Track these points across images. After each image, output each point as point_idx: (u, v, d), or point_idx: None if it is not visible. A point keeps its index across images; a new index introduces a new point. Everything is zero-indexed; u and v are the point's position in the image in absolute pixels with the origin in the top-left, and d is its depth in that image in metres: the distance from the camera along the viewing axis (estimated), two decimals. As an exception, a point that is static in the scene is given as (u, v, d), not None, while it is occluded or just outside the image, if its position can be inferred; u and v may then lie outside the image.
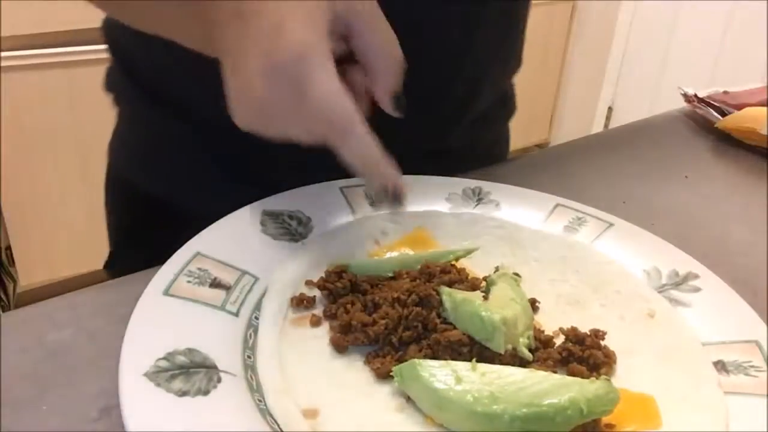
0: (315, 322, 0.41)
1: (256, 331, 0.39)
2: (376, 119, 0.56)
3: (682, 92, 0.82)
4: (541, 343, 0.40)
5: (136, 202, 0.65)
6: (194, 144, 0.60)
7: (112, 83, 0.65)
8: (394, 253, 0.48)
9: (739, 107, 0.77)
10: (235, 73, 0.39)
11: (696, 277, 0.46)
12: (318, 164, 0.57)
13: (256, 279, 0.42)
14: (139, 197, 0.64)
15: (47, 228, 1.61)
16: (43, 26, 1.47)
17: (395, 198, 0.41)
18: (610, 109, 2.55)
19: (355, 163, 0.39)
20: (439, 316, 0.40)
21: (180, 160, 0.61)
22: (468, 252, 0.47)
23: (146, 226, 0.63)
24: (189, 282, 0.40)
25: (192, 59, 0.54)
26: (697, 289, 0.45)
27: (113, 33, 0.63)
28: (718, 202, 0.61)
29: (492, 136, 0.70)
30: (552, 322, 0.43)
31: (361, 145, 0.39)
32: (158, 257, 0.42)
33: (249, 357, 0.37)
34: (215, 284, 0.40)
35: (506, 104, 0.71)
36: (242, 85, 0.39)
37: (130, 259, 0.46)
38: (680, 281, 0.46)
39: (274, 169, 0.57)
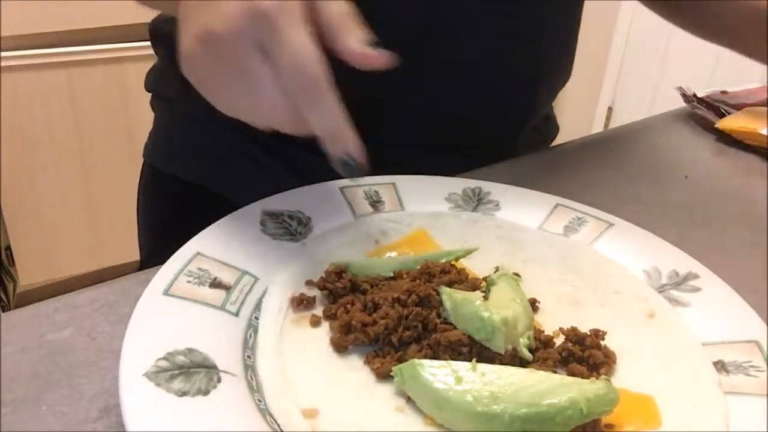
0: (315, 322, 0.41)
1: (256, 331, 0.39)
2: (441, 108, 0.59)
3: (681, 92, 0.82)
4: (541, 343, 0.40)
5: (179, 197, 0.65)
6: (242, 134, 0.60)
7: (154, 81, 0.66)
8: (394, 253, 0.48)
9: (739, 107, 0.77)
10: (193, 23, 0.36)
11: (696, 277, 0.46)
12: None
13: (256, 279, 0.42)
14: (183, 191, 0.64)
15: (47, 228, 1.62)
16: (43, 26, 1.47)
17: (354, 168, 0.39)
18: (610, 109, 2.55)
19: (323, 130, 0.37)
20: (439, 316, 0.40)
21: (227, 150, 0.61)
22: (468, 252, 0.47)
23: (191, 221, 0.65)
24: (189, 282, 0.40)
25: None
26: (697, 289, 0.45)
27: (161, 28, 0.63)
28: (718, 202, 0.61)
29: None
30: (552, 322, 0.43)
31: (331, 112, 0.36)
32: None
33: (249, 357, 0.37)
34: (215, 284, 0.40)
35: (549, 123, 0.73)
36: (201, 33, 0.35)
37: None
38: (680, 281, 0.46)
39: (322, 161, 0.58)
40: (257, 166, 0.61)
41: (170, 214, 0.67)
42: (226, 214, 0.46)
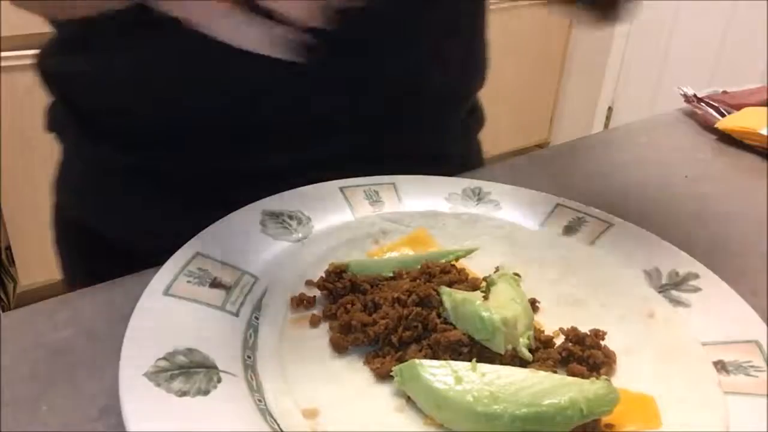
0: (315, 322, 0.41)
1: (256, 331, 0.39)
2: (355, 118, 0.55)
3: (682, 92, 0.82)
4: (541, 343, 0.40)
5: (86, 241, 0.62)
6: (143, 175, 0.57)
7: (52, 122, 0.61)
8: (394, 253, 0.48)
9: (739, 107, 0.77)
10: None
11: (696, 277, 0.46)
12: (276, 179, 0.54)
13: (256, 279, 0.42)
14: (90, 235, 0.61)
15: (47, 228, 1.61)
16: (43, 26, 1.47)
17: None
18: (610, 109, 2.55)
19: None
20: (439, 316, 0.40)
21: (129, 193, 0.58)
22: (468, 252, 0.47)
23: (101, 267, 0.54)
24: (189, 282, 0.40)
25: (134, 82, 0.53)
26: (697, 289, 0.45)
27: (51, 66, 0.59)
28: (718, 202, 0.61)
29: (463, 150, 0.70)
30: (552, 322, 0.43)
31: None
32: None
33: (249, 357, 0.37)
34: (215, 284, 0.40)
35: (474, 114, 0.70)
36: None
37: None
38: (680, 281, 0.46)
39: (231, 188, 0.54)
40: (159, 209, 0.57)
41: (75, 252, 0.64)
42: (131, 259, 0.45)
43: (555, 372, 0.37)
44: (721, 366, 0.39)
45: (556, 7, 0.61)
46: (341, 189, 0.52)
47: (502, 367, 0.35)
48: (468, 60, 0.65)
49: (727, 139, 0.74)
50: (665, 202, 0.61)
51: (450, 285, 0.42)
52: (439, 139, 0.64)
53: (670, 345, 0.41)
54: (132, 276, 0.45)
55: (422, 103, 0.61)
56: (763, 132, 0.71)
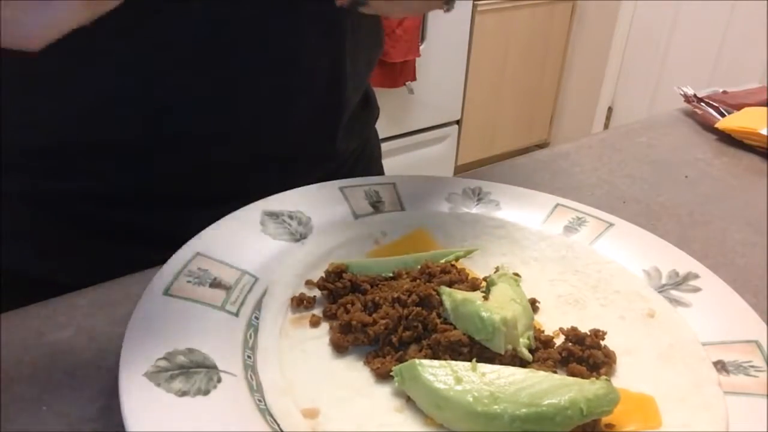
0: (315, 322, 0.41)
1: (256, 331, 0.39)
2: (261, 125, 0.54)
3: (681, 92, 0.82)
4: (541, 343, 0.40)
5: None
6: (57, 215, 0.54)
7: None
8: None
9: (738, 107, 0.77)
10: None
11: (696, 277, 0.46)
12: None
13: (256, 279, 0.42)
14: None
15: None
16: None
17: None
18: (610, 109, 2.55)
19: None
20: (439, 316, 0.40)
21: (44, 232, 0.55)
22: (468, 252, 0.47)
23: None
24: (189, 282, 0.40)
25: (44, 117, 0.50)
26: (697, 289, 0.45)
27: None
28: (718, 202, 0.61)
29: (362, 139, 0.68)
30: (552, 322, 0.43)
31: None
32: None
33: (249, 357, 0.37)
34: (215, 284, 0.40)
35: (368, 105, 0.68)
36: None
37: None
38: (680, 281, 0.46)
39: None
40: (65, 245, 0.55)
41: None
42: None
43: (555, 372, 0.37)
44: (721, 366, 0.39)
45: None
46: (341, 189, 0.52)
47: (502, 367, 0.35)
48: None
49: (727, 139, 0.74)
50: (665, 202, 0.61)
51: (450, 285, 0.42)
52: (329, 138, 0.62)
53: (670, 345, 0.41)
54: (132, 276, 0.45)
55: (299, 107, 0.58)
56: (763, 132, 0.71)
